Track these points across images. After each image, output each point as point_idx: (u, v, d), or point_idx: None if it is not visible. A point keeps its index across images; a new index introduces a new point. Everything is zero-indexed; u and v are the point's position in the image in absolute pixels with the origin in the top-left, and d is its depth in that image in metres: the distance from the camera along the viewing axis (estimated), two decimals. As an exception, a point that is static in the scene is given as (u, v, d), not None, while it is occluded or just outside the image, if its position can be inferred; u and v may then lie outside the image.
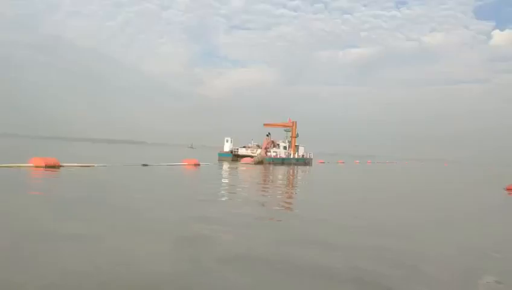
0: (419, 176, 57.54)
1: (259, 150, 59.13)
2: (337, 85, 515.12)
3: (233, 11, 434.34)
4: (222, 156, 58.23)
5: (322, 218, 13.13)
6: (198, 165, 38.23)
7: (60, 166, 25.14)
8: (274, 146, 64.68)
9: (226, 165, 44.92)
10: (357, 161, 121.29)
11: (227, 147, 60.79)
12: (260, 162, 53.68)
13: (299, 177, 36.45)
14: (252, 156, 55.98)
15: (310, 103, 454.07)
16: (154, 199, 15.40)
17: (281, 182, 29.72)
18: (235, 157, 57.40)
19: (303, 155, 69.01)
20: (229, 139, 61.16)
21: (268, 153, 59.61)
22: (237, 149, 60.18)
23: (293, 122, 66.88)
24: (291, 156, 64.08)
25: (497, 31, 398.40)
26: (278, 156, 60.58)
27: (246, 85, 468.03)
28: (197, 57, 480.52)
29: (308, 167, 61.22)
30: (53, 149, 64.20)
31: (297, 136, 67.05)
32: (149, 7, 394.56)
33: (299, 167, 57.21)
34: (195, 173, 31.49)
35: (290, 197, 19.92)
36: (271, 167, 48.21)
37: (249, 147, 61.23)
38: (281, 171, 40.98)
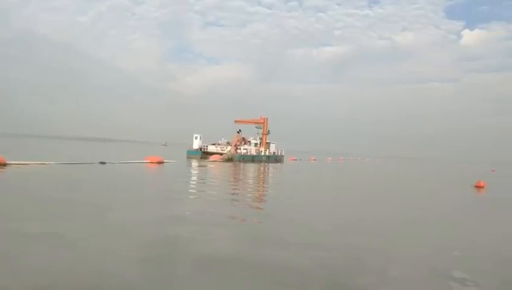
0: (391, 174, 58.08)
1: (229, 148, 57.87)
2: (311, 83, 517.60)
3: (207, 7, 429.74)
4: (191, 154, 56.69)
5: (294, 217, 13.12)
6: (162, 163, 36.73)
7: (6, 164, 23.24)
8: (245, 143, 63.59)
9: (193, 163, 43.65)
10: (330, 159, 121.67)
11: (196, 145, 59.21)
12: (230, 160, 52.61)
13: (270, 175, 35.98)
14: (221, 154, 54.77)
15: (284, 101, 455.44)
16: (114, 198, 14.72)
17: (251, 180, 29.27)
18: (204, 154, 55.99)
19: (274, 152, 68.29)
20: (198, 136, 59.60)
21: (239, 151, 58.50)
22: (206, 146, 58.75)
23: (264, 119, 66.00)
24: (262, 153, 63.13)
25: (467, 31, 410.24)
26: (249, 153, 59.53)
27: (221, 82, 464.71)
28: (171, 53, 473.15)
29: (279, 164, 60.72)
30: (15, 146, 60.73)
31: (268, 133, 66.26)
32: (121, 2, 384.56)
33: (270, 164, 56.52)
34: (158, 172, 30.32)
35: (261, 196, 19.59)
36: (241, 165, 47.27)
37: (218, 144, 59.96)
38: (251, 169, 40.31)
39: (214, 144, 59.86)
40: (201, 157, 54.66)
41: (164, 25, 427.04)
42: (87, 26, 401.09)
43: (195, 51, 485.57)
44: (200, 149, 57.99)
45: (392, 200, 21.09)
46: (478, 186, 31.17)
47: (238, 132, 63.19)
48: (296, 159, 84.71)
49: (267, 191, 22.53)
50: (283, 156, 71.32)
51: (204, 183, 23.78)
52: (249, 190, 21.70)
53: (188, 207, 13.99)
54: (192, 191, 19.52)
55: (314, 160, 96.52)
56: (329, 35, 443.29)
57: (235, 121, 65.88)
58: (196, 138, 59.55)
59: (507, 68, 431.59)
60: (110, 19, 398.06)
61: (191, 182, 23.81)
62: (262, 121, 65.77)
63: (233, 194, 18.94)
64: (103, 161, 30.78)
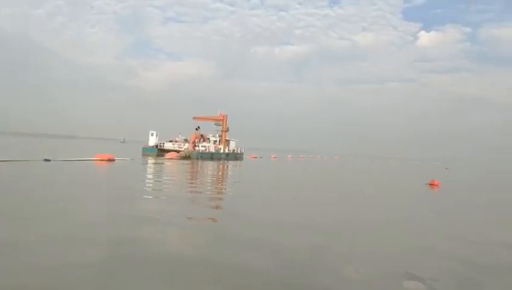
0: (347, 172, 58.66)
1: (186, 145, 56.36)
2: (273, 81, 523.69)
3: (168, 2, 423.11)
4: (146, 151, 54.79)
5: (253, 215, 13.04)
6: (113, 160, 34.86)
7: None
8: (204, 140, 62.26)
9: (148, 161, 41.97)
10: (290, 156, 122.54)
11: (152, 142, 57.32)
12: (187, 157, 51.24)
13: (228, 173, 35.26)
14: (178, 151, 53.15)
15: (247, 99, 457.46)
16: (56, 197, 13.62)
17: (209, 178, 28.53)
18: (161, 152, 54.20)
19: (234, 150, 67.38)
20: (155, 133, 57.68)
21: (197, 148, 57.13)
22: (163, 143, 56.99)
23: (223, 116, 64.94)
24: (222, 151, 62.06)
25: (423, 33, 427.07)
26: (207, 151, 58.30)
27: (182, 78, 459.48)
28: (131, 49, 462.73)
29: (239, 162, 59.82)
30: None
31: (227, 130, 65.29)
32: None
33: (229, 162, 55.56)
34: (108, 169, 28.60)
35: (219, 194, 19.20)
36: (199, 162, 46.00)
37: (176, 142, 58.28)
38: (209, 167, 39.46)
39: (171, 141, 58.14)
40: (157, 155, 52.91)
41: (123, 19, 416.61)
42: (43, 20, 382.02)
43: (155, 47, 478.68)
44: (156, 146, 56.14)
45: (348, 199, 20.98)
46: (432, 185, 31.73)
47: (196, 129, 61.88)
48: (256, 157, 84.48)
49: (225, 189, 21.93)
50: (243, 153, 70.61)
51: (159, 181, 22.85)
52: (206, 188, 21.10)
53: (141, 207, 13.29)
54: (146, 190, 18.64)
55: (275, 157, 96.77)
56: (290, 34, 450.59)
57: (194, 118, 64.52)
58: (152, 135, 57.65)
59: (461, 69, 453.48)
60: (67, 12, 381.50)
61: (144, 181, 22.72)
62: (222, 118, 64.76)
63: (190, 192, 18.48)
64: (48, 158, 28.71)
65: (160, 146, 56.45)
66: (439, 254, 9.32)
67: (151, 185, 21.20)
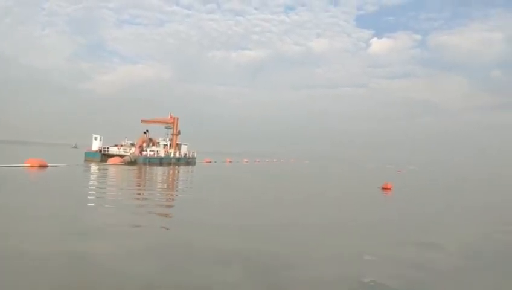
0: (303, 176, 57.65)
1: (133, 149, 52.90)
2: (231, 85, 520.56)
3: (122, 5, 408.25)
4: (89, 157, 51.05)
5: (202, 222, 12.71)
6: (46, 166, 31.38)
7: None
8: (153, 144, 58.97)
9: (88, 167, 38.39)
10: (246, 160, 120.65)
11: (95, 146, 53.43)
12: (133, 163, 47.90)
13: (177, 179, 32.91)
14: (123, 156, 49.66)
15: (205, 102, 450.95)
16: None
17: (154, 184, 26.45)
18: (105, 157, 50.51)
19: (185, 154, 64.52)
20: (98, 136, 53.94)
21: (144, 152, 53.81)
22: (107, 148, 53.31)
23: (174, 118, 61.91)
24: (172, 155, 59.06)
25: (375, 39, 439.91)
26: (156, 156, 55.14)
27: (137, 82, 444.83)
28: (84, 51, 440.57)
29: (190, 166, 57.10)
30: None
31: (179, 133, 62.43)
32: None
33: (180, 167, 52.80)
34: (39, 176, 25.55)
35: (167, 201, 18.35)
36: (146, 168, 43.02)
37: (121, 146, 54.61)
38: (155, 172, 37.01)
39: (116, 146, 54.45)
40: (101, 160, 49.29)
41: (76, 21, 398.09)
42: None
43: (109, 49, 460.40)
44: (100, 151, 52.34)
45: (303, 203, 20.23)
46: (385, 188, 30.85)
47: (144, 132, 58.48)
48: (210, 161, 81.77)
49: (173, 196, 20.60)
50: (195, 158, 67.89)
51: (98, 189, 21.07)
52: (149, 195, 19.58)
53: (79, 218, 12.16)
54: (82, 199, 16.47)
55: (230, 162, 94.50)
56: (247, 39, 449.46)
57: (142, 121, 61.24)
58: (96, 139, 53.87)
59: (412, 75, 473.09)
60: (17, 13, 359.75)
61: (78, 189, 20.32)
62: (172, 120, 61.71)
63: (136, 199, 17.86)
64: None
65: (105, 151, 52.75)
66: (391, 260, 9.22)
67: (89, 193, 19.26)
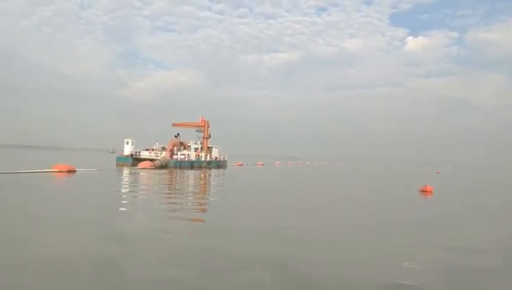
0: (338, 178, 55.84)
1: (164, 153, 52.81)
2: (263, 88, 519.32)
3: (156, 12, 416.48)
4: (121, 161, 51.48)
5: (236, 227, 12.15)
6: (74, 171, 31.33)
7: None
8: (184, 148, 58.83)
9: (119, 171, 38.38)
10: (279, 163, 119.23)
11: (127, 150, 53.72)
12: (163, 166, 47.74)
13: (208, 182, 32.48)
14: (153, 160, 49.57)
15: (237, 106, 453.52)
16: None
17: (185, 188, 25.89)
18: (136, 161, 50.66)
19: (216, 157, 63.99)
20: (130, 141, 54.29)
21: (175, 156, 53.56)
22: (139, 152, 53.44)
23: (204, 121, 61.59)
24: (203, 159, 58.63)
25: (410, 38, 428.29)
26: (186, 159, 54.79)
27: (171, 88, 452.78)
28: (120, 59, 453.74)
29: (222, 170, 56.46)
30: None
31: (209, 136, 62.04)
32: (67, 6, 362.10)
33: (211, 170, 52.25)
34: (65, 183, 25.36)
35: (200, 205, 17.97)
36: (177, 171, 42.62)
37: (152, 150, 54.70)
38: (185, 176, 36.71)
39: (147, 150, 54.61)
40: (132, 165, 49.56)
41: (112, 29, 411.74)
42: (30, 31, 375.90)
43: (144, 56, 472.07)
44: (132, 155, 52.56)
45: (337, 206, 19.44)
46: (424, 191, 28.75)
47: (176, 136, 58.45)
48: (242, 165, 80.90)
49: (204, 200, 20.10)
50: (226, 161, 67.41)
51: (130, 194, 20.90)
52: (183, 200, 19.16)
53: (110, 223, 12.01)
54: (113, 204, 16.38)
55: (262, 165, 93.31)
56: (279, 42, 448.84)
57: (173, 125, 61.32)
58: (127, 143, 54.25)
59: (448, 73, 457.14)
60: (55, 23, 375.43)
61: (110, 194, 20.20)
62: (203, 124, 61.38)
63: (167, 203, 17.52)
64: None
65: (136, 155, 52.96)
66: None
67: (120, 197, 19.27)
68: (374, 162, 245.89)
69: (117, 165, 49.32)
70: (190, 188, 26.53)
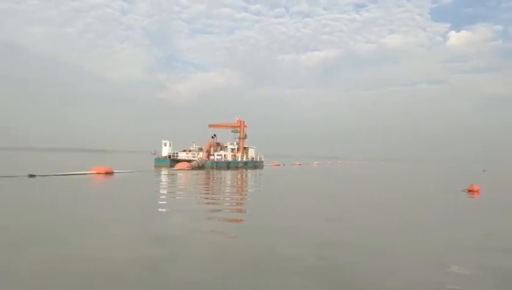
0: (378, 178, 54.34)
1: (201, 154, 53.22)
2: (300, 88, 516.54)
3: (194, 15, 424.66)
4: (159, 162, 52.40)
5: (275, 228, 11.85)
6: (112, 173, 31.96)
7: None
8: (221, 149, 59.08)
9: (157, 172, 38.89)
10: (316, 163, 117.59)
11: (165, 152, 54.59)
12: (200, 167, 48.06)
13: (245, 183, 32.51)
14: (190, 161, 50.05)
15: (274, 106, 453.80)
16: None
17: (222, 188, 25.81)
18: (174, 162, 51.39)
19: (253, 158, 63.83)
20: (168, 142, 55.18)
21: (212, 157, 53.84)
22: (176, 153, 54.21)
23: (240, 122, 61.58)
24: (239, 159, 58.63)
25: (453, 32, 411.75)
26: (223, 160, 54.95)
27: (210, 89, 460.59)
28: (159, 62, 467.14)
29: (258, 170, 56.22)
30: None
31: (245, 137, 62.02)
32: (109, 12, 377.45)
33: (248, 170, 52.10)
34: (103, 184, 26.02)
35: (237, 205, 17.92)
36: (213, 172, 42.78)
37: (189, 151, 55.32)
38: (222, 177, 36.99)
39: (184, 151, 55.27)
40: (170, 166, 50.29)
41: (152, 33, 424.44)
42: (74, 37, 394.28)
43: (183, 59, 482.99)
44: (169, 156, 53.33)
45: (379, 207, 18.54)
46: (471, 191, 27.07)
47: (212, 137, 58.82)
48: (279, 165, 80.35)
49: (242, 201, 20.03)
50: (263, 161, 67.14)
51: (168, 195, 21.29)
52: (221, 200, 19.23)
53: (151, 224, 11.98)
54: (154, 205, 16.62)
55: (299, 165, 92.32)
56: (316, 40, 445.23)
57: (210, 126, 61.75)
58: (165, 145, 55.18)
59: (493, 68, 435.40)
60: (97, 29, 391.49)
61: (149, 195, 20.65)
62: (239, 124, 61.41)
63: (206, 204, 17.47)
64: (32, 174, 26.04)
65: (174, 156, 53.71)
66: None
67: (158, 198, 19.59)
68: (417, 161, 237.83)
69: (155, 166, 50.23)
70: (227, 188, 26.60)
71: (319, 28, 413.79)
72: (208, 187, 26.65)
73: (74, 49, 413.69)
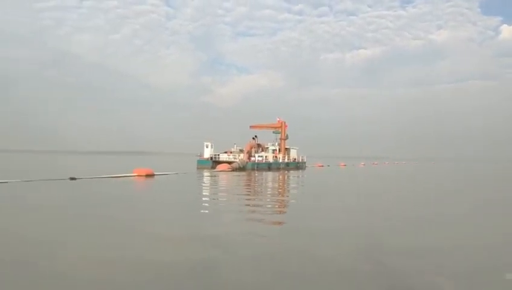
0: (434, 179, 51.14)
1: (242, 155, 52.68)
2: (345, 87, 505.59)
3: (237, 18, 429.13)
4: (201, 164, 52.48)
5: (318, 232, 11.26)
6: (152, 175, 32.00)
7: None
8: (262, 150, 58.32)
9: (198, 174, 38.76)
10: (363, 163, 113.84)
11: (207, 153, 54.58)
12: (241, 169, 47.50)
13: (285, 185, 31.62)
14: (231, 162, 49.60)
15: (318, 106, 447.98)
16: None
17: (263, 190, 25.27)
18: (216, 164, 51.21)
19: (295, 159, 62.50)
20: (209, 144, 55.24)
21: (252, 158, 53.20)
22: (218, 155, 54.10)
23: (281, 122, 60.52)
24: (280, 160, 57.56)
25: (505, 26, 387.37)
26: (264, 161, 54.20)
27: (253, 91, 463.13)
28: (204, 66, 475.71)
29: (300, 171, 54.80)
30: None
31: (287, 138, 60.75)
32: (154, 18, 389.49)
33: (290, 171, 50.99)
34: (141, 187, 26.43)
35: (279, 207, 17.26)
36: (254, 174, 42.11)
37: (231, 153, 55.00)
38: (263, 178, 36.39)
39: (225, 152, 55.02)
40: (212, 167, 50.15)
41: (196, 38, 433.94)
42: (121, 44, 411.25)
43: (227, 62, 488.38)
44: (211, 158, 53.26)
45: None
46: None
47: (253, 138, 58.19)
48: (322, 166, 78.34)
49: (284, 202, 19.50)
50: (305, 162, 65.64)
51: (210, 196, 21.34)
52: (262, 202, 18.90)
53: (193, 226, 12.01)
54: (196, 206, 16.53)
55: (344, 165, 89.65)
56: (361, 38, 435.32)
57: (251, 127, 61.16)
58: (207, 147, 55.23)
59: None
60: (143, 35, 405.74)
61: (191, 196, 20.84)
62: (280, 125, 60.32)
63: (247, 205, 17.15)
64: (73, 177, 26.48)
65: (215, 158, 53.60)
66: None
67: (200, 200, 19.52)
68: (467, 161, 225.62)
69: (197, 168, 50.41)
70: (269, 190, 26.05)
71: (364, 26, 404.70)
72: (249, 189, 26.24)
73: (121, 56, 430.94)
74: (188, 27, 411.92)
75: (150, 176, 32.16)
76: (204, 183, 30.19)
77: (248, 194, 22.28)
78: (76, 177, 26.75)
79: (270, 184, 30.11)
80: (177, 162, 75.45)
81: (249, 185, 29.22)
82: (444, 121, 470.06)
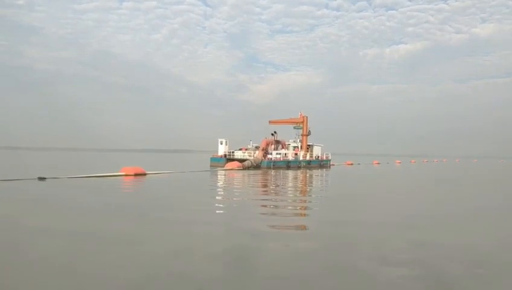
0: (483, 178, 45.28)
1: (257, 152, 48.54)
2: (385, 83, 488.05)
3: (274, 15, 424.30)
4: (214, 161, 49.33)
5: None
6: (144, 174, 28.37)
7: None
8: (283, 146, 53.96)
9: (202, 173, 35.31)
10: (399, 162, 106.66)
11: (221, 151, 50.91)
12: (255, 167, 43.39)
13: (307, 186, 26.68)
14: (244, 160, 45.66)
15: (356, 103, 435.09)
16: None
17: (271, 191, 21.51)
18: (229, 161, 47.22)
19: (318, 156, 57.55)
20: (224, 141, 51.61)
21: (269, 156, 48.86)
22: (232, 152, 50.57)
23: (303, 117, 55.84)
24: (301, 158, 52.90)
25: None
26: (282, 159, 49.79)
27: (291, 88, 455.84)
28: (241, 64, 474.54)
29: (324, 170, 49.71)
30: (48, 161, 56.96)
31: (309, 134, 55.98)
32: (193, 17, 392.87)
33: (312, 170, 46.35)
34: (134, 186, 23.55)
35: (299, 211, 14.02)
36: (270, 172, 38.02)
37: (246, 150, 50.98)
38: (280, 177, 32.70)
39: (240, 149, 51.16)
40: (225, 165, 46.10)
41: (233, 36, 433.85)
42: (160, 44, 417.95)
43: (264, 60, 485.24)
44: (225, 155, 49.52)
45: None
46: None
47: (272, 134, 53.94)
48: (352, 164, 72.65)
49: (304, 208, 16.35)
50: (329, 160, 60.50)
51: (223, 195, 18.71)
52: (281, 202, 16.46)
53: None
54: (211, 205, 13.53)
55: (377, 164, 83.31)
56: (401, 33, 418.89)
57: (270, 122, 57.04)
58: (221, 143, 51.48)
59: None
60: (182, 34, 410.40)
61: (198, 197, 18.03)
62: (301, 120, 55.61)
63: (263, 206, 15.42)
64: (42, 177, 23.28)
65: (230, 155, 49.82)
66: None
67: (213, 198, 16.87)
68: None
69: (211, 166, 47.44)
70: (289, 190, 22.86)
71: (403, 20, 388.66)
72: (265, 190, 22.86)
73: (161, 55, 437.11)
74: (225, 25, 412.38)
75: (138, 175, 28.50)
76: (195, 185, 25.88)
77: (262, 196, 19.06)
78: (45, 177, 23.59)
79: (286, 185, 26.07)
80: (198, 161, 72.29)
81: (263, 185, 25.70)
82: (489, 118, 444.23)
